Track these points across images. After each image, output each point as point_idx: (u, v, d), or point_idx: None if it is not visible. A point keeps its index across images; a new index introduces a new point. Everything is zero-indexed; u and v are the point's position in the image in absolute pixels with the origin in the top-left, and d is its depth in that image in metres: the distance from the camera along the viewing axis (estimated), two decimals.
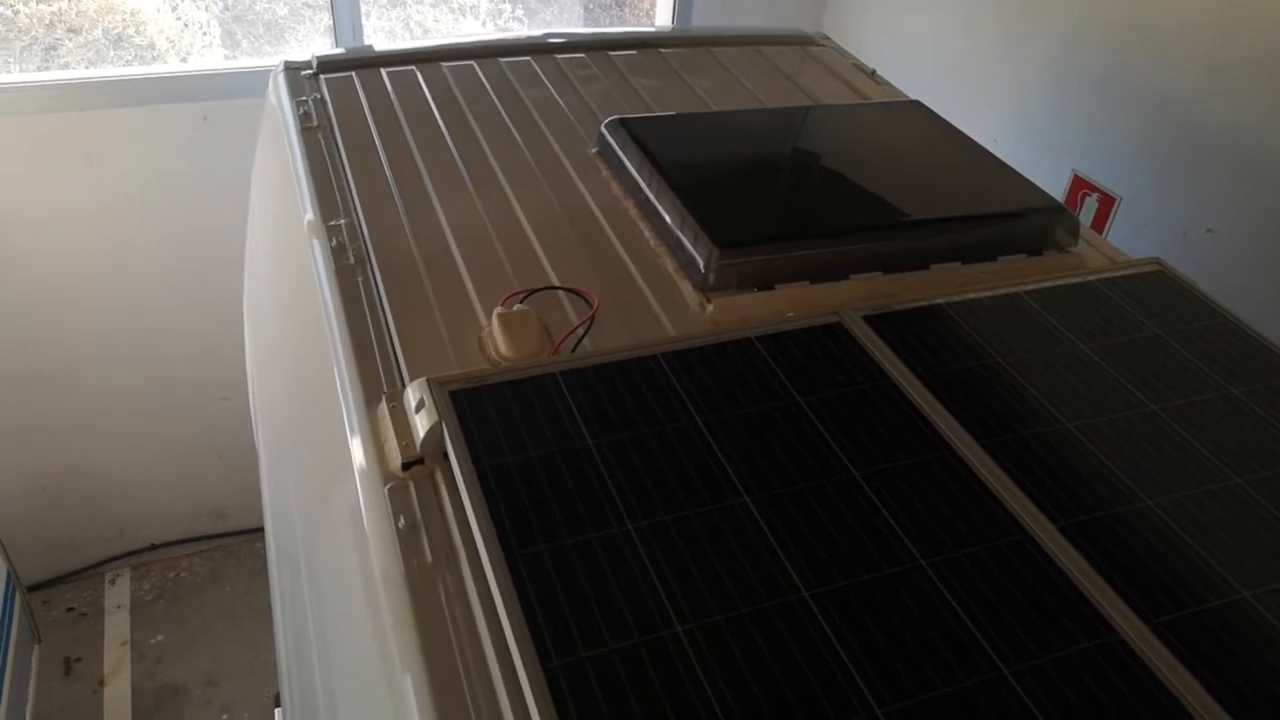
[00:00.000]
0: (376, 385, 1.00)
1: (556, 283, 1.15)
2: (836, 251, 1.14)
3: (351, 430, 0.96)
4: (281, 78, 1.62)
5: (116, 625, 3.01)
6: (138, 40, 2.67)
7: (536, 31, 1.83)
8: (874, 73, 1.76)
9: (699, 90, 1.65)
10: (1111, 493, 0.87)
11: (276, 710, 1.66)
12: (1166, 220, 1.89)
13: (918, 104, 1.53)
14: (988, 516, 0.83)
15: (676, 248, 1.18)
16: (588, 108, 1.57)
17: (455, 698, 0.72)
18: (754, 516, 0.81)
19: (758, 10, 2.77)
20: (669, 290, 1.15)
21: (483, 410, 0.89)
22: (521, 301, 1.11)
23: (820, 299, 1.12)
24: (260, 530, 3.11)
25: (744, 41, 1.83)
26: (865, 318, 1.06)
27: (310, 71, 1.63)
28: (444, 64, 1.67)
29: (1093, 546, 0.81)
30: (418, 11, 2.98)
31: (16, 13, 2.50)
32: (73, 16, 2.59)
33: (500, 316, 1.04)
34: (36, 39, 2.57)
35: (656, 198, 1.23)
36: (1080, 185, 2.07)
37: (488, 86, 1.61)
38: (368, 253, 1.19)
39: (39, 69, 2.54)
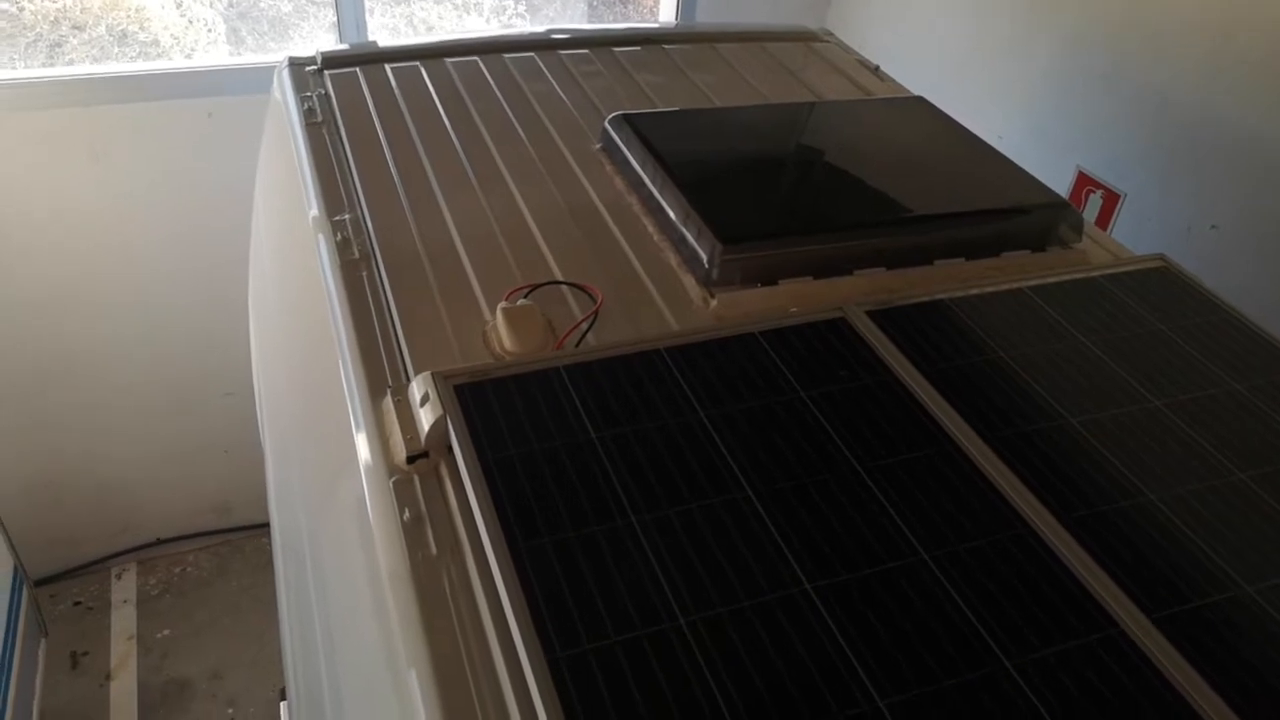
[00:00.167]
0: (381, 379, 1.00)
1: (560, 278, 1.16)
2: (840, 247, 1.15)
3: (356, 424, 0.97)
4: (286, 73, 1.62)
5: (123, 619, 3.02)
6: (142, 37, 2.68)
7: (540, 27, 1.83)
8: (877, 69, 1.76)
9: (703, 86, 1.65)
10: (1114, 487, 0.87)
11: (282, 704, 1.67)
12: (1170, 217, 1.89)
13: (921, 100, 1.53)
14: (990, 511, 0.84)
15: (680, 243, 1.18)
16: (591, 103, 1.57)
17: (460, 688, 0.72)
18: (757, 510, 0.82)
19: (761, 6, 2.77)
20: (672, 285, 1.15)
21: (487, 404, 0.90)
22: (525, 296, 1.11)
23: (823, 294, 1.12)
24: (265, 525, 3.12)
25: (748, 37, 1.83)
26: (869, 313, 1.06)
27: (315, 67, 1.63)
28: (448, 60, 1.67)
29: (1095, 541, 0.81)
30: (421, 8, 2.99)
31: (21, 9, 2.51)
32: (77, 13, 2.60)
33: (504, 311, 1.04)
34: (41, 35, 2.58)
35: (660, 193, 1.23)
36: (1085, 182, 2.07)
37: (491, 82, 1.61)
38: (372, 248, 1.20)
39: (44, 65, 2.54)
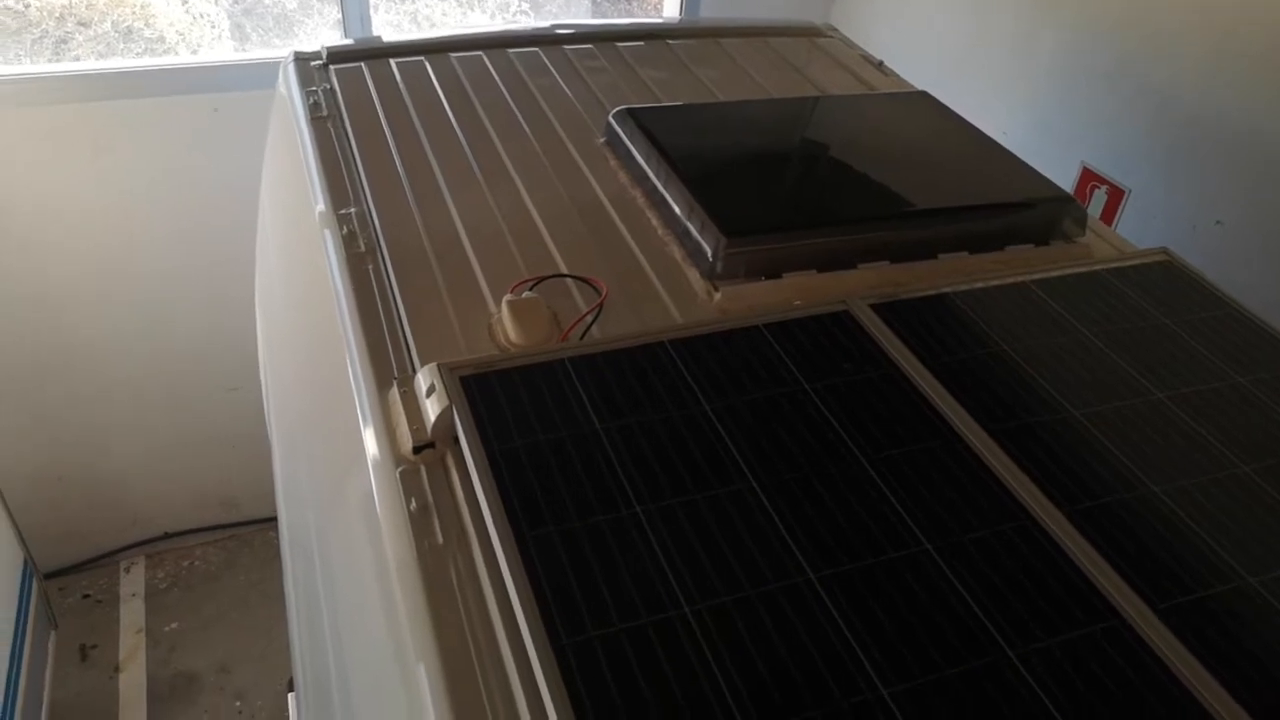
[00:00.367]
0: (388, 371, 1.01)
1: (565, 271, 1.16)
2: (844, 240, 1.15)
3: (363, 415, 0.97)
4: (291, 68, 1.63)
5: (131, 613, 3.04)
6: (147, 33, 2.69)
7: (544, 23, 1.83)
8: (881, 64, 1.76)
9: (706, 81, 1.65)
10: (1117, 479, 0.88)
11: (290, 695, 1.68)
12: (1175, 213, 1.89)
13: (925, 95, 1.54)
14: (993, 502, 0.84)
15: (684, 236, 1.18)
16: (595, 98, 1.57)
17: (466, 676, 0.73)
18: (761, 501, 0.82)
19: (765, 1, 2.76)
20: (677, 279, 1.16)
21: (493, 395, 0.91)
22: (531, 289, 1.12)
23: (828, 287, 1.12)
24: (272, 519, 3.13)
25: (751, 33, 1.84)
26: (873, 306, 1.07)
27: (320, 62, 1.64)
28: (452, 55, 1.67)
29: (1098, 532, 0.82)
30: (425, 5, 2.99)
31: (27, 6, 2.52)
32: (83, 9, 2.61)
33: (510, 304, 1.05)
34: (47, 32, 2.59)
35: (664, 187, 1.24)
36: (1089, 178, 2.07)
37: (496, 77, 1.62)
38: (378, 241, 1.20)
39: (49, 61, 2.55)
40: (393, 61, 1.65)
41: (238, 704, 2.80)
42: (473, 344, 1.05)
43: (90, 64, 2.55)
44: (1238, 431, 0.94)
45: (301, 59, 1.66)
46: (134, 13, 2.67)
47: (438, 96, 1.55)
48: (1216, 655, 0.73)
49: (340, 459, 1.09)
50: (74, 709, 2.76)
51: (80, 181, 2.54)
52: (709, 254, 1.12)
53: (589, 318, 1.08)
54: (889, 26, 2.64)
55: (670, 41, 1.78)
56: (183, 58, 2.66)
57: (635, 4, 3.23)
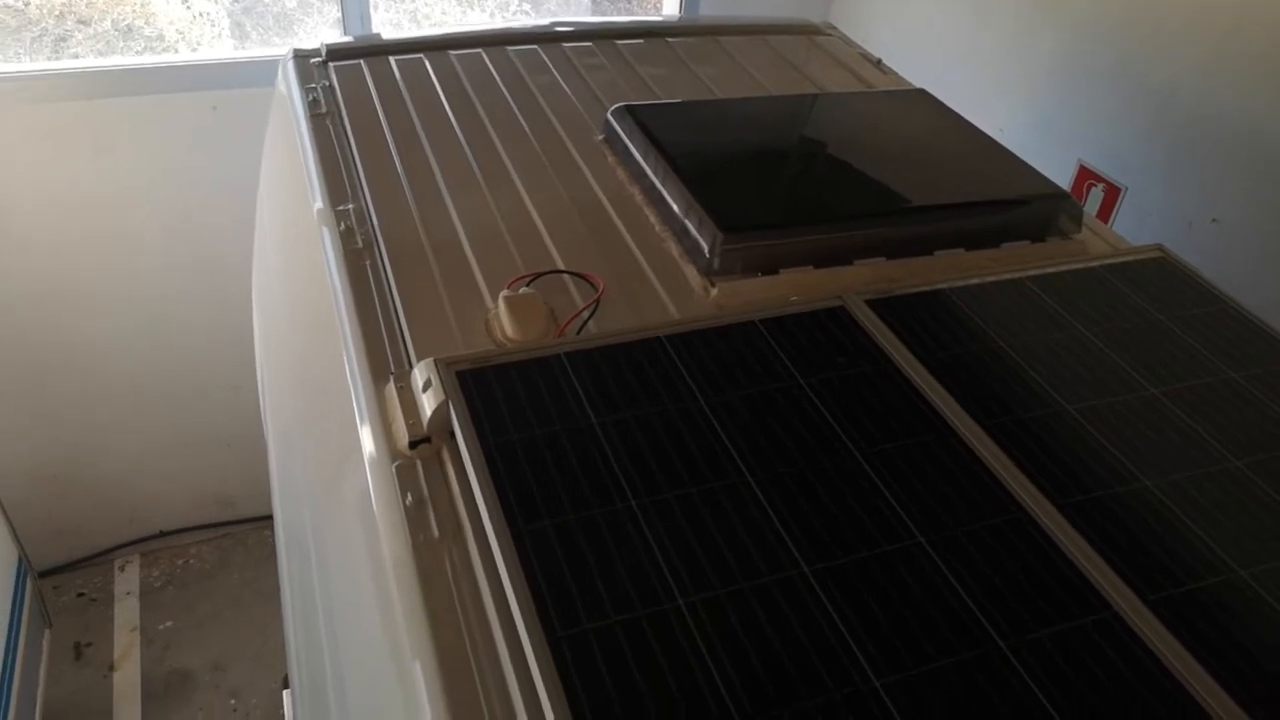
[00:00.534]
0: (384, 366, 1.01)
1: (562, 267, 1.16)
2: (840, 236, 1.15)
3: (359, 410, 0.98)
4: (290, 65, 1.63)
5: (126, 611, 3.04)
6: (147, 31, 2.69)
7: (544, 21, 1.83)
8: (880, 62, 1.77)
9: (705, 79, 1.66)
10: (1110, 474, 0.88)
11: (285, 693, 1.68)
12: (1172, 211, 1.89)
13: (922, 92, 1.54)
14: (987, 496, 0.84)
15: (681, 233, 1.19)
16: (594, 95, 1.58)
17: (462, 669, 0.73)
18: (755, 494, 0.83)
19: (765, 0, 2.77)
20: (674, 274, 1.16)
21: (489, 390, 0.91)
22: (527, 285, 1.12)
23: (824, 283, 1.13)
24: (267, 518, 3.13)
25: (750, 31, 1.84)
26: (868, 301, 1.07)
27: (319, 59, 1.64)
28: (452, 52, 1.68)
29: (1091, 526, 0.82)
30: (425, 3, 2.99)
31: (27, 4, 2.52)
32: (82, 8, 2.61)
33: (506, 299, 1.05)
34: (47, 30, 2.59)
35: (662, 183, 1.24)
36: (1086, 175, 2.07)
37: (495, 74, 1.62)
38: (376, 237, 1.20)
39: (49, 60, 2.55)
40: (392, 59, 1.65)
41: (232, 702, 2.80)
42: (469, 339, 1.06)
43: (90, 61, 2.55)
44: (1231, 426, 0.94)
45: (301, 56, 1.66)
46: (134, 11, 2.67)
47: (436, 94, 1.55)
48: (1207, 646, 0.73)
49: (336, 454, 1.09)
50: (68, 707, 2.75)
51: (79, 179, 2.54)
52: (706, 250, 1.13)
53: (585, 313, 1.08)
54: (888, 25, 2.65)
55: (669, 39, 1.79)
56: (182, 55, 2.66)
57: (635, 2, 3.24)
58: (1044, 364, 1.01)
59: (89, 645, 2.94)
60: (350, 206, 1.26)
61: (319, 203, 1.29)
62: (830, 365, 0.97)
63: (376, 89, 1.55)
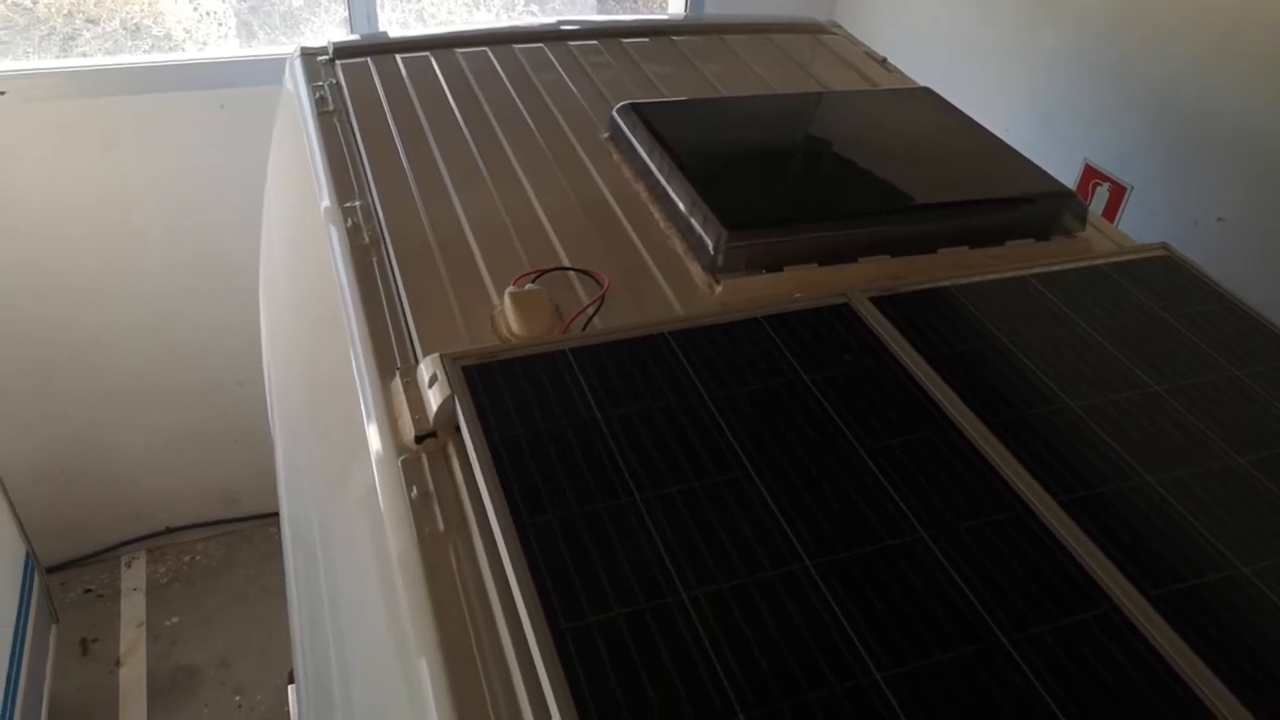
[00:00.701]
0: (390, 361, 1.02)
1: (567, 263, 1.17)
2: (844, 234, 1.16)
3: (365, 405, 0.98)
4: (298, 63, 1.64)
5: (132, 607, 3.05)
6: (155, 30, 2.70)
7: (550, 20, 1.84)
8: (885, 60, 1.77)
9: (710, 77, 1.66)
10: (1113, 470, 0.88)
11: (290, 688, 1.69)
12: (1177, 210, 1.89)
13: (927, 90, 1.54)
14: (990, 491, 0.85)
15: (686, 230, 1.19)
16: (600, 93, 1.58)
17: (466, 662, 0.74)
18: (759, 489, 0.83)
19: None
20: (678, 271, 1.16)
21: (494, 385, 0.91)
22: (533, 282, 1.12)
23: (828, 281, 1.13)
24: (273, 515, 3.14)
25: (755, 29, 1.84)
26: (872, 299, 1.07)
27: (326, 57, 1.65)
28: (458, 50, 1.68)
29: (1093, 521, 0.82)
30: (432, 3, 3.00)
31: (35, 2, 2.53)
32: (91, 7, 2.62)
33: (512, 295, 1.06)
34: (55, 29, 2.60)
35: (667, 181, 1.25)
36: (1091, 175, 2.07)
37: (501, 72, 1.63)
38: (382, 233, 1.21)
39: (57, 58, 2.57)
40: (399, 57, 1.66)
41: (237, 698, 2.81)
42: (475, 335, 1.06)
43: (98, 59, 2.57)
44: (1234, 424, 0.95)
45: (308, 54, 1.67)
46: (142, 10, 2.69)
47: (443, 92, 1.56)
48: (1209, 642, 0.73)
49: (342, 449, 1.09)
50: (75, 703, 2.77)
51: (87, 176, 2.56)
52: (710, 247, 1.13)
53: (590, 309, 1.09)
54: (893, 24, 2.65)
55: (674, 38, 1.79)
56: (190, 54, 2.68)
57: (640, 1, 3.24)
58: (1048, 361, 1.01)
59: (95, 641, 2.95)
60: (357, 203, 1.27)
61: (326, 200, 1.29)
62: (834, 361, 0.98)
63: (383, 87, 1.56)
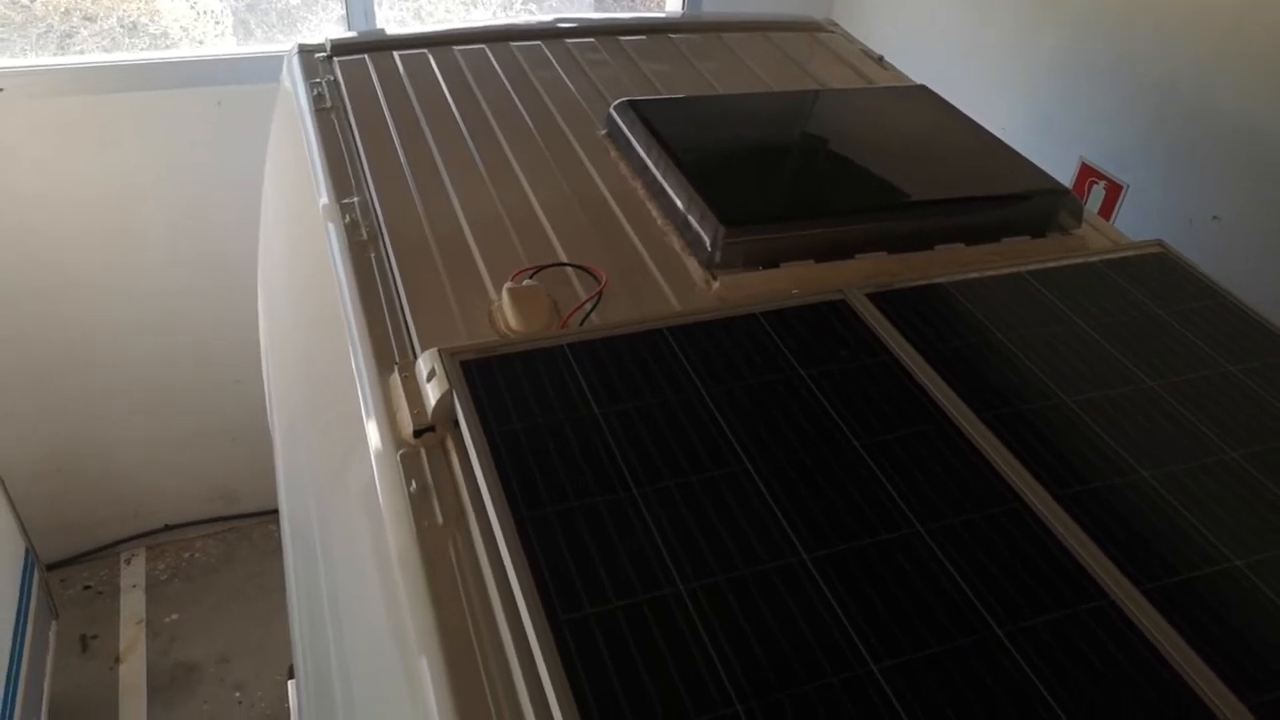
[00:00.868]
0: (389, 357, 1.02)
1: (565, 260, 1.17)
2: (841, 231, 1.16)
3: (364, 400, 0.99)
4: (295, 60, 1.64)
5: (132, 604, 3.05)
6: (152, 29, 2.70)
7: (547, 17, 1.84)
8: (881, 59, 1.77)
9: (707, 75, 1.67)
10: (1107, 465, 0.89)
11: (290, 683, 1.70)
12: (1173, 208, 1.90)
13: (923, 88, 1.55)
14: (985, 486, 0.85)
15: (683, 226, 1.19)
16: (597, 91, 1.58)
17: (465, 654, 0.74)
18: (756, 483, 0.83)
19: None
20: (676, 268, 1.17)
21: (492, 380, 0.92)
22: (531, 278, 1.13)
23: (825, 277, 1.13)
24: (271, 513, 3.15)
25: (752, 27, 1.85)
26: (869, 295, 1.08)
27: (324, 54, 1.65)
28: (455, 48, 1.69)
29: (1087, 515, 0.83)
30: (429, 1, 3.00)
31: (32, 0, 2.53)
32: (88, 4, 2.62)
33: (510, 291, 1.06)
34: (52, 26, 2.60)
35: (664, 177, 1.25)
36: (1088, 173, 2.08)
37: (498, 70, 1.63)
38: (380, 229, 1.22)
39: (54, 56, 2.57)
40: (396, 54, 1.66)
41: (237, 694, 2.82)
42: (473, 331, 1.07)
43: (96, 57, 2.57)
44: (1228, 419, 0.95)
45: (306, 51, 1.67)
46: (139, 8, 2.68)
47: (440, 89, 1.56)
48: (1202, 634, 0.74)
49: (341, 444, 1.10)
50: (75, 699, 2.77)
51: (85, 174, 2.56)
52: (708, 244, 1.14)
53: (588, 305, 1.09)
54: (890, 22, 2.66)
55: (672, 35, 1.80)
56: (188, 51, 2.68)
57: (638, 3, 3.24)
58: (1043, 357, 1.02)
59: (95, 638, 2.96)
60: (355, 200, 1.27)
61: (324, 196, 1.30)
62: (831, 357, 0.98)
63: (381, 84, 1.56)
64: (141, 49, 2.66)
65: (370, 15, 2.62)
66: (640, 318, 1.03)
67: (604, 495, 0.81)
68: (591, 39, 1.76)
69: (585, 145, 1.42)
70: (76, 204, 2.59)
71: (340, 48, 1.66)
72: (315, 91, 1.53)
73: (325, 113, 1.48)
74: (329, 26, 2.78)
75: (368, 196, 1.28)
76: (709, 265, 1.14)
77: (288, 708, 2.27)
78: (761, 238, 1.13)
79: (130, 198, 2.63)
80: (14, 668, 2.38)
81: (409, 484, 0.87)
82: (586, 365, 0.95)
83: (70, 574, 3.13)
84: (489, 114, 1.49)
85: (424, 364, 0.95)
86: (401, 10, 2.93)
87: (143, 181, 2.62)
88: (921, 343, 1.02)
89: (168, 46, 2.69)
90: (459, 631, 0.76)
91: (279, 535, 1.80)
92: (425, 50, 1.67)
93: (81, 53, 2.60)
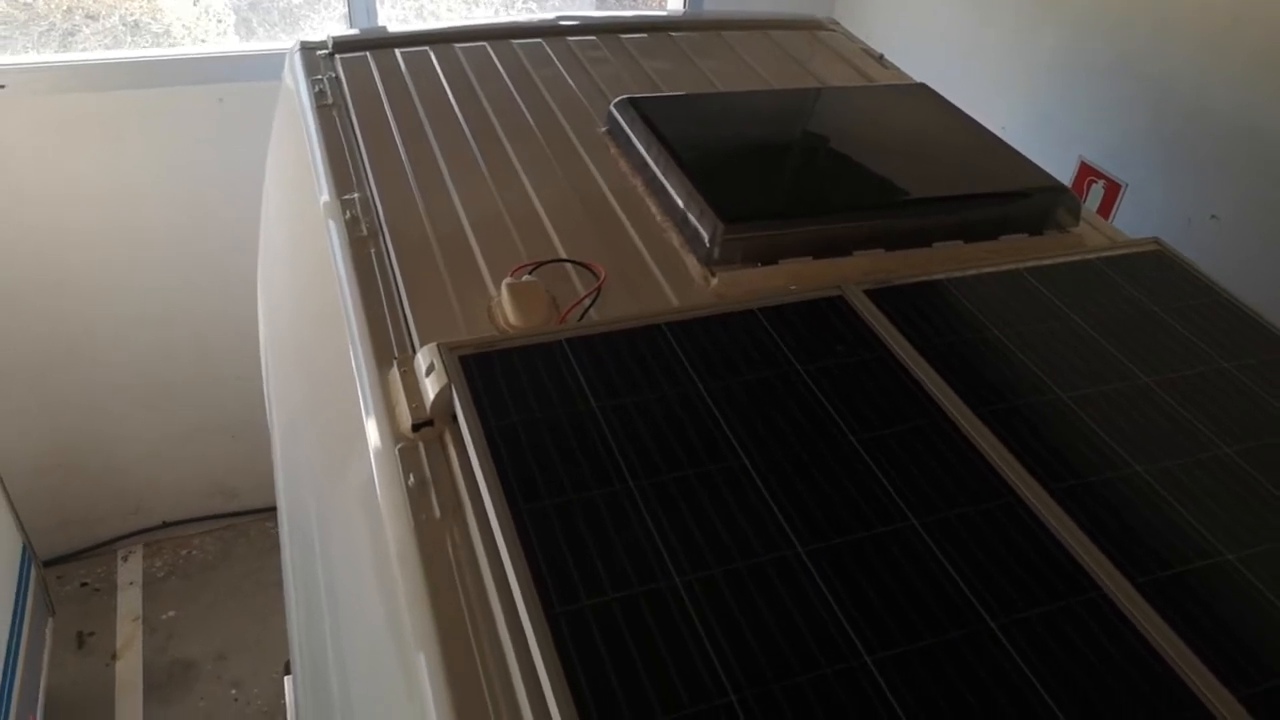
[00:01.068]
0: (388, 351, 1.02)
1: (564, 256, 1.18)
2: (839, 228, 1.16)
3: (363, 394, 0.99)
4: (297, 57, 1.64)
5: (129, 601, 3.06)
6: (154, 27, 2.71)
7: (548, 15, 1.85)
8: (882, 57, 1.78)
9: (708, 73, 1.67)
10: (1102, 460, 0.89)
11: (287, 678, 1.70)
12: (1171, 207, 1.90)
13: (923, 86, 1.55)
14: (979, 480, 0.86)
15: (682, 223, 1.20)
16: (598, 88, 1.59)
17: (462, 645, 0.75)
18: (752, 477, 0.84)
19: None
20: (674, 264, 1.17)
21: (491, 374, 0.92)
22: (530, 273, 1.13)
23: (823, 274, 1.14)
24: (269, 510, 3.15)
25: (753, 25, 1.85)
26: (867, 291, 1.08)
27: (326, 51, 1.66)
28: (457, 45, 1.69)
29: (1081, 509, 0.83)
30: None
31: None
32: (90, 3, 2.63)
33: (509, 286, 1.07)
34: (54, 25, 2.61)
35: (664, 174, 1.25)
36: (1087, 172, 2.08)
37: (500, 67, 1.63)
38: (381, 226, 1.22)
39: (57, 53, 2.57)
40: (398, 51, 1.66)
41: (234, 692, 2.82)
42: (472, 326, 1.07)
43: (98, 54, 2.57)
44: (1223, 415, 0.96)
45: (307, 49, 1.67)
46: (141, 6, 2.69)
47: (441, 86, 1.56)
48: (1194, 627, 0.74)
49: (340, 438, 1.10)
50: (71, 696, 2.77)
51: (86, 170, 2.56)
52: (706, 240, 1.14)
53: (587, 301, 1.10)
54: (891, 21, 2.66)
55: (673, 34, 1.80)
56: (189, 49, 2.68)
57: (640, 0, 3.25)
58: (1039, 353, 1.02)
59: (92, 634, 2.96)
60: (355, 196, 1.28)
61: (325, 192, 1.30)
62: (828, 353, 0.99)
63: (382, 81, 1.57)
64: (144, 47, 2.66)
65: (372, 13, 2.62)
66: (639, 314, 1.03)
67: (601, 489, 0.82)
68: (593, 37, 1.76)
69: (585, 142, 1.43)
70: (78, 200, 2.59)
71: (342, 45, 1.66)
72: (317, 88, 1.54)
73: (327, 109, 1.48)
74: (331, 24, 2.78)
75: (368, 193, 1.29)
76: (708, 262, 1.14)
77: (284, 704, 2.28)
78: (760, 234, 1.13)
79: (131, 195, 2.63)
80: (10, 664, 2.38)
81: (407, 478, 0.87)
82: (585, 360, 0.95)
83: (67, 571, 3.13)
84: (490, 111, 1.50)
85: (423, 359, 0.95)
86: (403, 8, 2.94)
87: (144, 179, 2.62)
88: (919, 339, 1.02)
89: (170, 45, 2.70)
90: (456, 623, 0.76)
91: (276, 532, 1.80)
92: (427, 48, 1.68)
93: (84, 51, 2.61)
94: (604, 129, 1.46)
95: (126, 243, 2.70)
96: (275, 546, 3.14)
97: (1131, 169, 1.97)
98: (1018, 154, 1.33)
